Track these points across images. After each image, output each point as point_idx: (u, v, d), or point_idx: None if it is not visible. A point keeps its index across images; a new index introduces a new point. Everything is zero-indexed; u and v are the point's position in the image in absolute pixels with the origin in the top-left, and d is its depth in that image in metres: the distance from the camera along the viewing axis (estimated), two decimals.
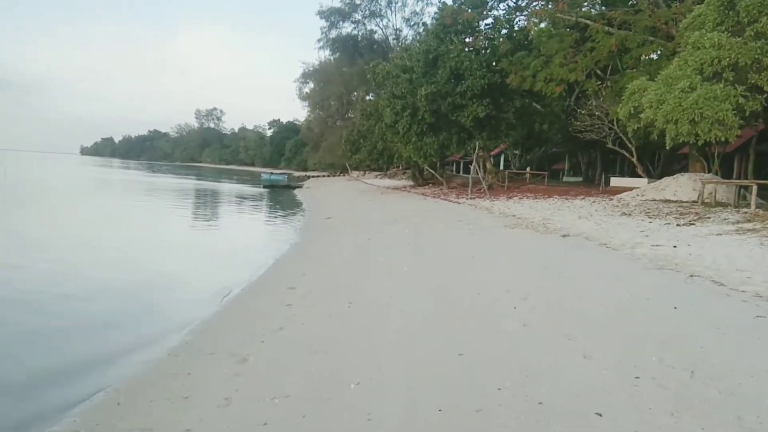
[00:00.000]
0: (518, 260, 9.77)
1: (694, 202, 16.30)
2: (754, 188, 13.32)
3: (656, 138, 15.22)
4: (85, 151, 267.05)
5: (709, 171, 22.44)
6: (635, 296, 6.78)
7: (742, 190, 16.66)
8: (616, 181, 27.36)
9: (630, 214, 14.53)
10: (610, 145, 27.73)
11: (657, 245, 9.55)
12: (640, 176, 27.10)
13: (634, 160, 26.70)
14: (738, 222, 11.14)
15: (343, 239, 15.04)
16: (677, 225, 11.66)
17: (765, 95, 12.37)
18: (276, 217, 25.30)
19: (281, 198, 37.44)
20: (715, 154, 21.88)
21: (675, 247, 9.25)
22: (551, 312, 6.36)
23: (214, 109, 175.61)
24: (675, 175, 19.73)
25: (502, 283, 8.10)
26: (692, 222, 11.76)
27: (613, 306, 6.43)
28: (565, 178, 41.48)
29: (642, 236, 10.71)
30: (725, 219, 11.66)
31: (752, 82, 12.38)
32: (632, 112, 14.34)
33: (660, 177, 27.38)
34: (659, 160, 34.44)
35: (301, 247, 14.40)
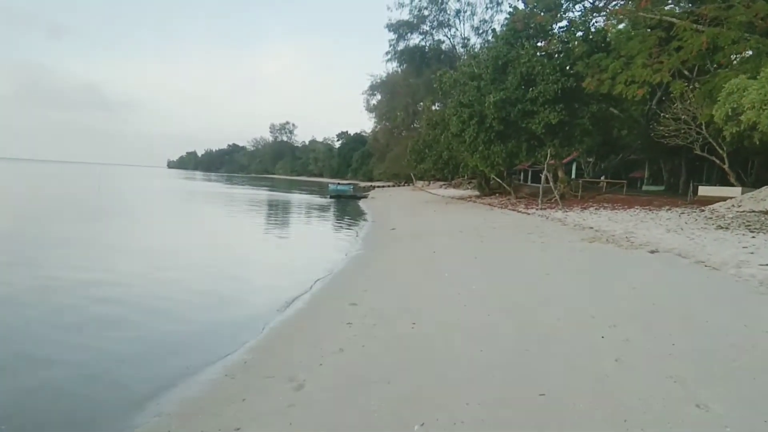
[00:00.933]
0: (600, 279, 8.78)
1: None
2: None
3: (757, 143, 13.69)
4: (171, 165, 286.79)
5: None
6: (753, 328, 5.74)
7: None
8: (704, 191, 25.28)
9: (727, 228, 13.05)
10: (697, 151, 25.74)
11: (766, 265, 8.31)
12: (732, 185, 24.93)
13: (726, 167, 24.59)
14: None
15: (407, 251, 14.41)
16: None
17: None
18: (340, 227, 25.01)
19: (346, 208, 37.37)
20: None
21: None
22: (649, 345, 5.45)
23: (287, 122, 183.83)
24: None
25: (585, 307, 7.19)
26: None
27: (728, 341, 5.43)
28: (644, 187, 39.07)
29: (746, 253, 9.43)
30: None
31: None
32: (730, 114, 12.89)
33: (754, 185, 25.12)
34: (752, 167, 31.77)
35: (364, 258, 13.87)
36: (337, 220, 29.52)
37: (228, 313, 8.99)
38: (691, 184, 37.23)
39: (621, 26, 29.05)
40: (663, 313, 6.59)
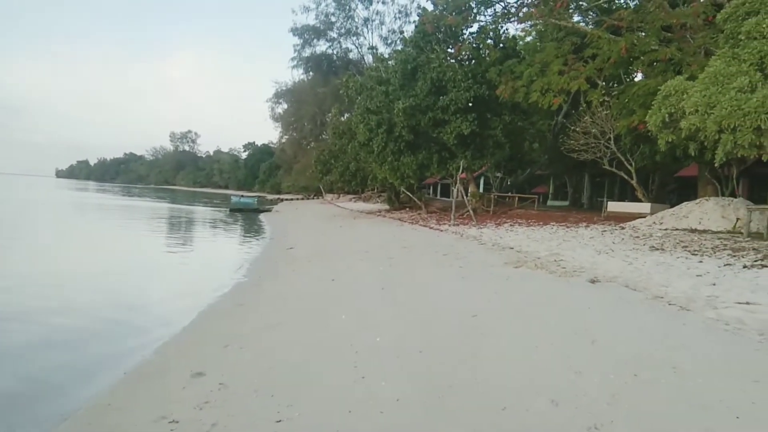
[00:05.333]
0: (544, 328, 6.62)
1: (730, 232, 13.52)
2: None
3: (694, 154, 12.42)
4: (60, 174, 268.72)
5: (722, 194, 19.86)
6: None
7: None
8: (614, 206, 24.59)
9: (662, 249, 11.55)
10: (606, 166, 25.09)
11: (747, 303, 6.53)
12: (640, 200, 24.44)
13: (634, 182, 24.03)
14: None
15: (300, 280, 11.78)
16: (744, 267, 8.71)
17: None
18: (231, 247, 21.79)
19: (245, 223, 33.96)
20: (733, 176, 19.23)
21: None
22: None
23: (189, 131, 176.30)
24: (698, 200, 16.98)
25: (534, 376, 4.96)
26: (762, 263, 8.81)
27: None
28: (549, 203, 38.92)
29: (707, 285, 7.70)
30: None
31: None
32: (666, 120, 11.47)
33: (655, 201, 24.83)
34: (653, 182, 32.05)
35: (243, 291, 11.07)
36: (230, 237, 26.24)
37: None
38: (595, 200, 37.68)
39: (529, 39, 28.34)
40: (652, 390, 4.44)
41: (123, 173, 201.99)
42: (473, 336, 6.45)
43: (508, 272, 10.34)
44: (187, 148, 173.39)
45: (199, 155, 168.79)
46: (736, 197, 17.50)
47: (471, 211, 24.08)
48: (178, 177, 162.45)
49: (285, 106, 74.68)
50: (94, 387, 6.02)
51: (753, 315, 6.02)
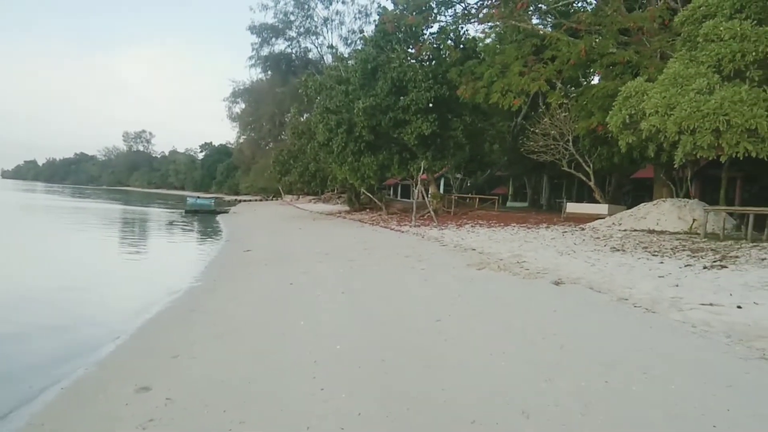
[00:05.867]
0: (509, 331, 6.42)
1: (687, 232, 13.72)
2: None
3: (653, 155, 12.53)
4: (6, 174, 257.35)
5: (677, 196, 20.28)
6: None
7: (737, 219, 14.33)
8: (573, 207, 24.90)
9: (623, 250, 11.59)
10: (565, 168, 25.37)
11: (711, 304, 6.47)
12: (598, 201, 24.80)
13: (592, 184, 24.37)
14: None
15: (257, 283, 11.31)
16: (704, 268, 8.74)
17: None
18: (186, 249, 20.99)
19: (202, 224, 32.95)
20: (688, 178, 19.65)
21: (740, 307, 6.20)
22: None
23: (143, 131, 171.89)
24: (655, 202, 17.24)
25: (502, 385, 4.73)
26: (721, 264, 8.87)
27: None
28: (509, 204, 39.26)
29: (669, 286, 7.66)
30: (762, 258, 8.87)
31: None
32: (627, 121, 11.50)
33: (611, 202, 25.27)
34: (609, 184, 32.67)
35: (196, 296, 10.52)
36: (185, 240, 25.35)
37: None
38: (553, 201, 38.22)
39: (488, 41, 28.49)
40: (626, 397, 4.25)
41: (73, 174, 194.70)
42: (438, 342, 6.19)
43: (471, 274, 10.15)
44: (141, 148, 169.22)
45: (153, 155, 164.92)
46: (690, 198, 17.87)
47: (432, 213, 23.95)
48: (132, 178, 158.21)
49: (243, 105, 73.52)
50: (26, 404, 5.49)
51: (718, 317, 5.95)
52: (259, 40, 57.25)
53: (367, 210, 33.99)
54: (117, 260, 17.13)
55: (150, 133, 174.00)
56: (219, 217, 38.97)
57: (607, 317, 6.56)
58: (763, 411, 3.89)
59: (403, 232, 20.26)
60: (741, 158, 9.67)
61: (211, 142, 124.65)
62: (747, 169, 18.58)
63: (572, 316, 6.78)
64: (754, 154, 9.44)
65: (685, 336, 5.54)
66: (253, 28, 56.24)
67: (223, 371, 5.68)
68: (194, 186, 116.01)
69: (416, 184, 25.49)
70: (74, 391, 5.77)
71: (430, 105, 24.31)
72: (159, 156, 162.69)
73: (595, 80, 23.20)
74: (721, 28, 9.86)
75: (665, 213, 15.43)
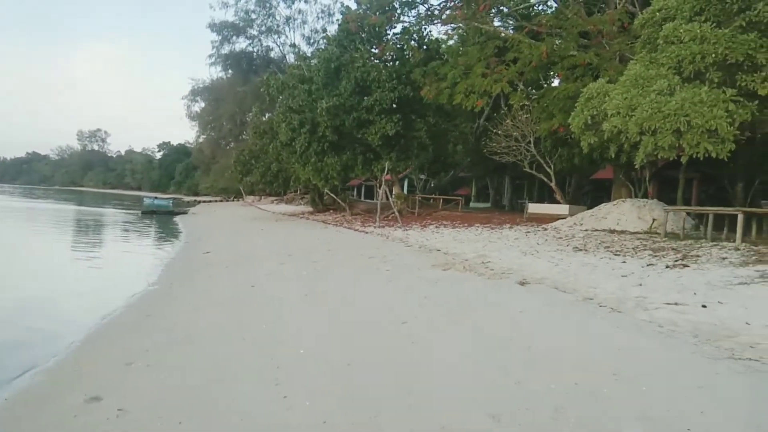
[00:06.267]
0: (476, 333, 6.32)
1: (647, 232, 13.95)
2: (741, 217, 10.92)
3: (612, 156, 12.69)
4: None
5: (635, 196, 20.70)
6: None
7: (695, 219, 14.68)
8: (534, 208, 25.14)
9: (585, 250, 11.69)
10: (527, 169, 25.62)
11: (675, 303, 6.50)
12: (558, 202, 25.12)
13: (553, 184, 24.68)
14: (746, 263, 8.51)
15: (218, 287, 10.94)
16: (666, 267, 8.84)
17: (756, 102, 10.03)
18: (143, 251, 20.25)
19: (158, 226, 32.01)
20: (646, 178, 20.07)
21: (704, 306, 6.25)
22: None
23: (98, 130, 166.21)
24: (615, 202, 17.53)
25: (471, 389, 4.60)
26: (683, 263, 8.99)
27: None
28: (472, 204, 39.50)
29: (633, 285, 7.70)
30: (723, 258, 9.04)
31: (742, 84, 10.03)
32: (589, 121, 11.61)
33: (571, 203, 25.67)
34: (569, 185, 33.20)
35: (154, 299, 10.11)
36: (141, 242, 24.53)
37: None
38: (515, 202, 38.60)
39: (451, 42, 28.60)
40: (597, 400, 4.18)
41: (25, 174, 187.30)
42: (405, 345, 6.04)
43: (436, 275, 10.05)
44: (96, 147, 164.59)
45: (109, 155, 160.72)
46: (648, 199, 18.23)
47: (396, 213, 23.86)
48: (86, 178, 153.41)
49: (202, 104, 72.07)
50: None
51: (683, 316, 5.97)
52: (220, 38, 56.31)
53: (331, 211, 33.68)
54: (68, 264, 16.41)
55: (105, 132, 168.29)
56: (177, 218, 37.99)
57: (573, 317, 6.53)
58: (736, 414, 3.87)
59: (367, 232, 20.09)
60: (701, 158, 9.83)
61: (169, 142, 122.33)
62: (703, 170, 19.10)
63: (539, 316, 6.73)
64: (714, 155, 9.62)
65: (652, 336, 5.52)
66: (213, 26, 55.24)
67: (179, 379, 5.40)
68: (152, 186, 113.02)
69: (380, 185, 25.35)
70: (19, 401, 5.40)
71: (394, 105, 24.21)
72: (115, 155, 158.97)
73: (556, 83, 23.55)
74: (681, 30, 10.03)
75: (625, 213, 15.69)
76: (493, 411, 4.13)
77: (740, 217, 10.92)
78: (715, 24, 10.13)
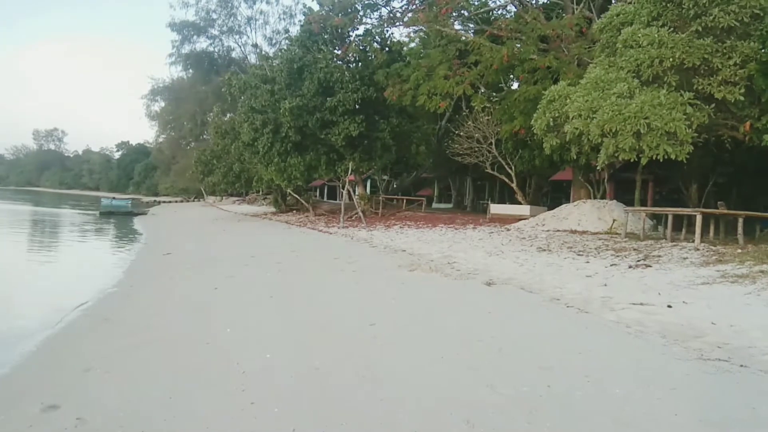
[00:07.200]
0: (445, 335, 6.29)
1: (607, 232, 14.26)
2: (699, 218, 11.24)
3: (575, 157, 12.91)
4: None
5: (594, 197, 21.16)
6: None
7: (654, 220, 15.08)
8: (496, 208, 25.43)
9: (549, 250, 11.86)
10: (488, 170, 25.92)
11: (641, 303, 6.62)
12: (519, 203, 25.50)
13: (515, 186, 25.04)
14: (706, 262, 8.75)
15: (179, 289, 10.61)
16: (629, 267, 9.02)
17: (713, 105, 10.36)
18: (100, 253, 19.54)
19: (116, 227, 31.02)
20: (604, 180, 20.54)
21: (670, 306, 6.37)
22: None
23: (55, 129, 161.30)
24: (575, 203, 17.88)
25: (443, 393, 4.55)
26: (645, 263, 9.19)
27: None
28: (434, 205, 39.73)
29: (598, 285, 7.83)
30: (684, 258, 9.28)
31: (699, 87, 10.34)
32: (551, 123, 11.77)
33: (531, 203, 26.11)
34: (530, 186, 33.74)
35: (109, 305, 9.69)
36: (99, 243, 23.73)
37: None
38: (477, 203, 39.01)
39: (413, 45, 28.70)
40: (571, 403, 4.18)
41: None
42: (373, 347, 5.96)
43: (402, 276, 10.01)
44: (52, 147, 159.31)
45: (66, 155, 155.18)
46: (607, 200, 18.65)
47: (361, 214, 23.77)
48: (43, 178, 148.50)
49: (162, 104, 70.28)
50: None
51: (650, 316, 6.07)
52: (180, 37, 54.98)
53: (294, 211, 33.36)
54: (21, 266, 15.69)
55: (62, 132, 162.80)
56: (136, 219, 36.94)
57: (541, 318, 6.57)
58: (709, 416, 3.90)
59: (331, 233, 19.94)
60: (661, 160, 10.07)
61: (128, 141, 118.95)
62: (658, 172, 19.64)
63: (507, 317, 6.75)
64: (673, 156, 9.88)
65: (621, 337, 5.59)
66: (173, 26, 53.91)
67: (141, 386, 5.17)
68: (110, 187, 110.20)
69: (344, 185, 25.23)
70: None
71: (357, 106, 24.16)
72: (72, 155, 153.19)
73: (515, 86, 23.92)
74: (639, 35, 10.27)
75: (586, 214, 16.02)
76: (466, 416, 4.08)
77: (699, 218, 11.25)
78: (672, 29, 10.42)
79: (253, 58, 52.29)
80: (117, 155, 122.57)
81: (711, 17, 9.90)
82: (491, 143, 23.94)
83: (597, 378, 4.59)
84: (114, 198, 50.34)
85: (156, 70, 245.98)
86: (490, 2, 24.04)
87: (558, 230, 15.51)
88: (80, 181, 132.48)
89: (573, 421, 3.91)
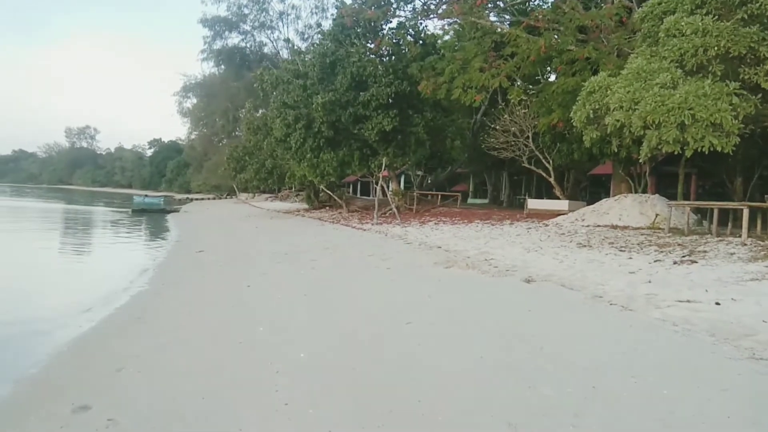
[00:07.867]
0: (484, 334, 6.09)
1: (650, 227, 13.78)
2: (746, 212, 10.74)
3: (615, 150, 12.49)
4: None
5: (635, 191, 20.52)
6: None
7: (698, 214, 14.51)
8: (533, 203, 24.95)
9: (589, 246, 11.50)
10: (525, 164, 25.44)
11: (688, 301, 6.30)
12: (558, 198, 24.95)
13: (552, 180, 24.50)
14: (754, 258, 8.33)
15: (212, 287, 10.64)
16: (674, 263, 8.65)
17: (759, 95, 9.85)
18: (134, 250, 19.88)
19: (149, 225, 31.54)
20: (645, 173, 19.89)
21: (718, 304, 6.05)
22: None
23: (87, 127, 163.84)
24: (616, 197, 17.36)
25: (484, 394, 4.37)
26: (691, 259, 8.81)
27: None
28: (470, 200, 39.31)
29: (642, 282, 7.51)
30: (731, 253, 8.86)
31: (745, 77, 9.85)
32: (591, 116, 11.38)
33: (570, 198, 25.51)
34: (568, 180, 33.05)
35: (142, 304, 9.73)
36: (131, 241, 24.10)
37: None
38: (513, 198, 38.42)
39: (447, 38, 28.35)
40: (618, 405, 3.95)
41: (12, 172, 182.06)
42: (410, 346, 5.80)
43: (438, 273, 9.82)
44: (85, 144, 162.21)
45: (98, 152, 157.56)
46: (648, 194, 18.06)
47: (395, 210, 23.62)
48: (75, 176, 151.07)
49: (194, 100, 71.16)
50: None
51: (698, 314, 5.77)
52: (212, 33, 55.61)
53: (327, 208, 33.40)
54: (54, 264, 16.02)
55: (95, 129, 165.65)
56: (169, 217, 37.57)
57: (584, 316, 6.31)
58: (763, 418, 3.65)
59: (365, 230, 19.84)
60: (706, 152, 9.63)
61: (160, 139, 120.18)
62: (701, 165, 18.95)
63: (548, 315, 6.51)
64: (719, 148, 9.43)
65: (668, 335, 5.31)
66: (205, 21, 54.56)
67: (172, 386, 5.13)
68: (142, 184, 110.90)
69: (377, 181, 25.09)
70: (1, 412, 5.11)
71: (391, 101, 23.95)
72: (104, 153, 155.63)
73: (552, 77, 23.36)
74: (683, 24, 9.82)
75: (627, 208, 15.52)
76: (508, 418, 3.91)
77: (745, 212, 10.75)
78: (716, 17, 9.94)
79: (285, 53, 52.47)
80: (149, 152, 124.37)
81: (757, 4, 9.43)
82: (528, 137, 23.49)
83: (644, 378, 4.36)
84: (146, 195, 51.11)
85: (188, 67, 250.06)
86: None
87: (598, 225, 15.07)
88: (112, 178, 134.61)
89: (620, 423, 3.70)
